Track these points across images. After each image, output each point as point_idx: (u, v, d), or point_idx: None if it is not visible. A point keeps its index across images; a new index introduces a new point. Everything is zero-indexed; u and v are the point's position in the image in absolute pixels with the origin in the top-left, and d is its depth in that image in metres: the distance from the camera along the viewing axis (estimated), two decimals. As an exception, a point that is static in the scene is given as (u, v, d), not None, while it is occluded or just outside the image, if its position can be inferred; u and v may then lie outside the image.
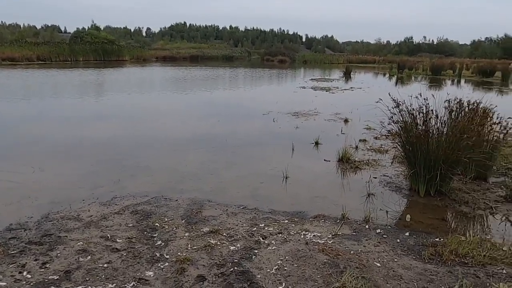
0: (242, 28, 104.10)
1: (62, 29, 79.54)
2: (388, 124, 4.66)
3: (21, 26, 62.95)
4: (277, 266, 2.96)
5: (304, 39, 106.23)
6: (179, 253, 3.13)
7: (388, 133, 4.99)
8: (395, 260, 3.11)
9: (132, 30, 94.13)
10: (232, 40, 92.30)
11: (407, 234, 3.60)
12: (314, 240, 3.40)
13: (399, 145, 4.84)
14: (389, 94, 4.72)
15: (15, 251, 3.14)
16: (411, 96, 4.63)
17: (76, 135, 7.39)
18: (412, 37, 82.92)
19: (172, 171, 5.36)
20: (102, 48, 38.42)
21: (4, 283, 2.69)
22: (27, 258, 3.03)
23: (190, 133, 7.75)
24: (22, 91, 14.01)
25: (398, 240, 3.46)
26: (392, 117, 4.65)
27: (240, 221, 3.79)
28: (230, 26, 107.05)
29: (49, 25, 72.74)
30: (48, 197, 4.33)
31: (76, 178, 5.01)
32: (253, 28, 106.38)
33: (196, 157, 6.12)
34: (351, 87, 17.89)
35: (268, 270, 2.91)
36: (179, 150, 6.52)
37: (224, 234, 3.50)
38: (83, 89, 15.10)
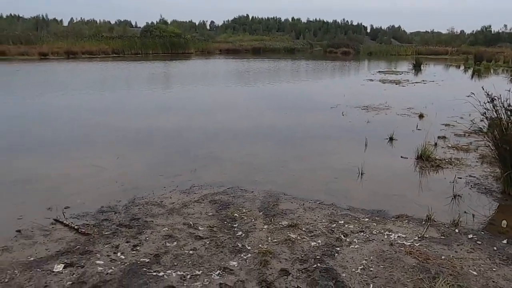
0: (304, 20, 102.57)
1: (133, 23, 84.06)
2: (481, 120, 4.28)
3: (98, 22, 67.48)
4: (362, 266, 2.85)
5: (368, 30, 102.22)
6: (260, 245, 3.14)
7: (479, 130, 4.58)
8: (494, 269, 2.85)
9: (197, 23, 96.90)
10: (294, 32, 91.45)
11: (504, 242, 3.29)
12: (399, 242, 3.23)
13: (491, 144, 4.43)
14: (482, 88, 4.32)
15: (108, 232, 3.35)
16: (509, 91, 4.20)
17: (149, 125, 7.75)
18: (490, 26, 76.04)
19: (243, 163, 5.41)
20: (170, 42, 40.05)
21: (102, 262, 2.88)
22: (119, 240, 3.22)
23: (256, 125, 7.79)
24: (98, 83, 15.04)
25: (495, 248, 3.17)
26: (484, 112, 4.26)
27: (318, 217, 3.72)
28: (292, 18, 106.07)
29: (122, 20, 77.18)
30: (132, 183, 4.58)
31: (155, 166, 5.24)
32: (316, 19, 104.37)
33: (265, 149, 6.12)
34: (423, 80, 16.87)
35: (353, 270, 2.81)
36: (247, 142, 6.57)
37: (303, 229, 3.45)
38: (152, 82, 15.86)
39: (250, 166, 5.25)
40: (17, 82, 14.56)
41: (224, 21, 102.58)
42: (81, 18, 68.48)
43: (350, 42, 55.91)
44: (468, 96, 4.37)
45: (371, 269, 2.82)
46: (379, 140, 6.64)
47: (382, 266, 2.86)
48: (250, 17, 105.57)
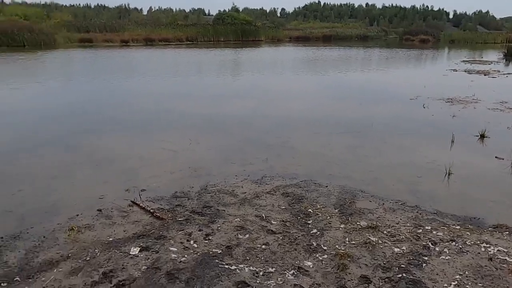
0: (379, 6, 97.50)
1: (206, 12, 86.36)
2: None
3: (174, 10, 70.36)
4: (456, 282, 2.51)
5: (451, 16, 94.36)
6: (337, 246, 2.92)
7: None
8: None
9: (268, 10, 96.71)
10: (367, 18, 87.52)
11: None
12: (501, 257, 2.81)
13: None
14: None
15: (181, 219, 3.35)
16: None
17: (221, 111, 7.79)
18: None
19: (317, 155, 5.17)
20: (241, 29, 40.45)
21: (175, 249, 2.87)
22: (192, 228, 3.20)
23: (329, 115, 7.45)
24: (173, 69, 15.57)
25: None
26: None
27: (401, 219, 3.39)
28: (366, 4, 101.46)
29: (196, 8, 79.69)
30: (205, 169, 4.58)
31: (227, 153, 5.21)
32: (392, 5, 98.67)
33: (340, 141, 5.81)
34: (518, 71, 15.07)
35: (445, 285, 2.48)
36: (321, 132, 6.28)
37: (385, 232, 3.15)
38: (223, 68, 16.06)
39: (324, 158, 5.00)
40: (103, 68, 15.61)
41: (295, 8, 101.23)
42: (159, 7, 71.86)
43: (429, 29, 52.05)
44: None
45: (467, 286, 2.47)
46: (467, 137, 5.98)
47: (480, 285, 2.49)
48: (322, 4, 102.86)
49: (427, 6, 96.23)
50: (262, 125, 6.73)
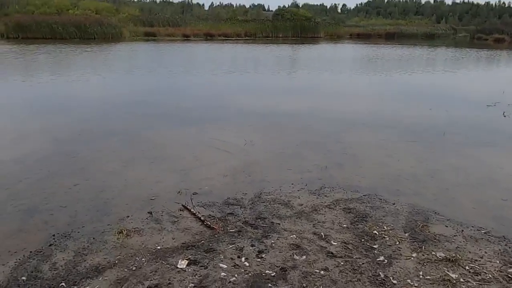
0: (448, 2, 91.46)
1: (266, 7, 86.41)
2: None
3: (234, 5, 71.20)
4: None
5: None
6: (408, 281, 2.52)
7: None
8: None
9: (328, 6, 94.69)
10: (435, 15, 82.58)
11: None
12: None
13: None
14: None
15: (233, 230, 3.12)
16: None
17: (277, 111, 7.50)
18: None
19: (382, 165, 4.70)
20: (300, 25, 39.85)
21: (225, 266, 2.63)
22: (244, 242, 2.95)
23: (395, 121, 6.87)
24: (228, 64, 15.53)
25: None
26: None
27: (486, 252, 2.88)
28: (434, 0, 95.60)
29: (256, 4, 80.00)
30: (259, 174, 4.33)
31: (283, 157, 4.91)
32: (463, 1, 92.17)
33: (409, 151, 5.27)
34: None
35: None
36: (387, 140, 5.77)
37: (466, 267, 2.68)
38: (281, 66, 15.74)
39: (390, 171, 4.53)
40: (164, 61, 15.99)
41: (357, 4, 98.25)
42: (220, 2, 73.12)
43: (506, 28, 47.73)
44: None
45: None
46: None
47: None
48: (385, 0, 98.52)
49: (503, 3, 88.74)
50: (321, 128, 6.34)
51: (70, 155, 4.85)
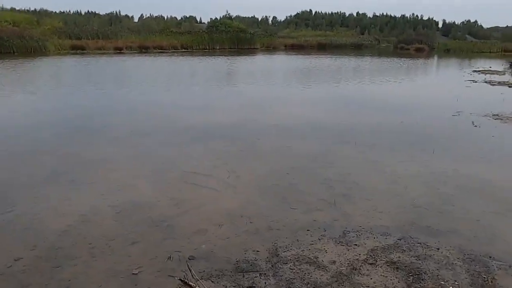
0: (369, 15, 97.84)
1: (198, 19, 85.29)
2: None
3: (165, 17, 69.17)
4: None
5: (440, 25, 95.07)
6: None
7: None
8: None
9: (259, 19, 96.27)
10: (358, 27, 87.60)
11: None
12: None
13: None
14: None
15: (265, 317, 2.26)
16: None
17: (245, 130, 6.73)
18: None
19: (392, 195, 4.13)
20: (236, 37, 39.60)
21: None
22: (289, 336, 2.11)
23: (374, 136, 6.44)
24: (175, 78, 14.44)
25: None
26: None
27: None
28: (357, 13, 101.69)
29: (187, 16, 78.49)
30: (261, 219, 3.50)
31: (279, 191, 4.14)
32: (382, 14, 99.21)
33: (409, 173, 4.78)
34: (540, 83, 14.32)
35: None
36: (379, 162, 5.24)
37: None
38: (230, 78, 15.00)
39: (405, 201, 3.96)
40: (102, 76, 14.40)
41: (286, 17, 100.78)
42: (150, 14, 70.55)
43: (423, 38, 51.99)
44: None
45: None
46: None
47: None
48: (313, 12, 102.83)
49: (417, 16, 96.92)
50: (303, 149, 5.67)
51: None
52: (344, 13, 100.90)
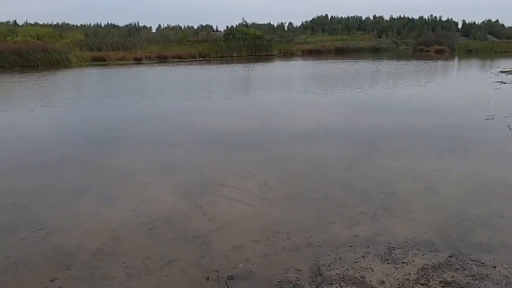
0: (387, 17, 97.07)
1: (214, 28, 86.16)
2: None
3: (182, 27, 70.16)
4: None
5: (460, 26, 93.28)
6: None
7: None
8: None
9: (275, 25, 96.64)
10: (375, 30, 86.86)
11: None
12: None
13: None
14: None
15: None
16: None
17: (273, 139, 6.58)
18: None
19: (434, 205, 3.91)
20: (253, 44, 39.70)
21: None
22: None
23: (409, 143, 6.20)
24: (196, 86, 14.47)
25: None
26: None
27: None
28: (374, 16, 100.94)
29: (204, 25, 79.39)
30: (300, 235, 3.34)
31: (316, 205, 3.97)
32: (399, 16, 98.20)
33: (450, 181, 4.54)
34: None
35: None
36: (418, 169, 5.01)
37: None
38: (252, 85, 14.94)
39: (449, 213, 3.73)
40: (116, 88, 14.57)
41: (302, 22, 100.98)
42: (167, 24, 71.79)
43: (443, 39, 50.98)
44: None
45: None
46: None
47: None
48: (329, 17, 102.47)
49: (435, 17, 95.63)
50: (335, 158, 5.49)
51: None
52: (361, 16, 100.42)
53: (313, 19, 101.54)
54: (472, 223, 3.52)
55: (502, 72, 18.37)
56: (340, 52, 46.87)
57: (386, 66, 24.18)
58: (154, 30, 71.29)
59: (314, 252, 3.05)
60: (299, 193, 4.29)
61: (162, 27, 71.44)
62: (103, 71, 21.59)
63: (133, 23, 68.82)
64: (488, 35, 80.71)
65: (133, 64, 27.54)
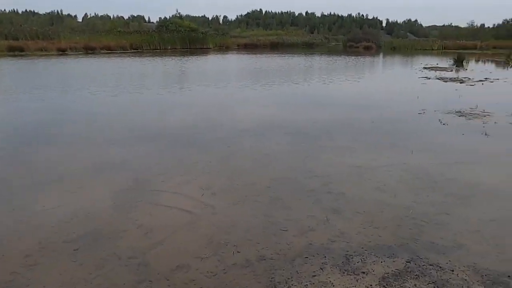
0: (318, 14, 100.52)
1: (146, 18, 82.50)
2: None
3: (111, 17, 66.18)
4: None
5: (384, 24, 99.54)
6: None
7: None
8: None
9: (210, 18, 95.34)
10: (308, 26, 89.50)
11: None
12: None
13: None
14: None
15: None
16: None
17: (214, 136, 6.21)
18: (513, 19, 72.05)
19: (383, 205, 3.82)
20: (188, 37, 38.67)
21: None
22: None
23: (348, 137, 6.18)
24: (133, 81, 13.54)
25: None
26: None
27: None
28: (306, 12, 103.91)
29: (135, 15, 75.70)
30: (249, 246, 3.03)
31: (264, 209, 3.68)
32: (330, 13, 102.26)
33: (393, 178, 4.52)
34: (486, 78, 15.01)
35: None
36: (364, 167, 4.94)
37: None
38: (184, 80, 14.33)
39: (397, 212, 3.65)
40: (36, 81, 13.13)
41: (237, 16, 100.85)
42: (95, 13, 67.28)
43: (371, 37, 53.94)
44: None
45: None
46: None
47: None
48: (264, 12, 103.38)
49: (362, 15, 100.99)
50: (279, 157, 5.26)
51: None
52: (294, 12, 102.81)
53: (248, 13, 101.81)
54: (421, 221, 3.47)
55: (425, 68, 19.67)
56: (275, 47, 47.54)
57: (320, 61, 24.80)
58: (80, 20, 66.38)
59: (268, 267, 2.76)
60: (245, 196, 3.98)
61: (88, 16, 66.72)
62: (21, 62, 19.45)
63: (56, 11, 63.34)
64: (408, 34, 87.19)
65: (57, 55, 25.31)
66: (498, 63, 24.04)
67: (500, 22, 73.95)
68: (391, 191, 4.16)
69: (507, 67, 21.00)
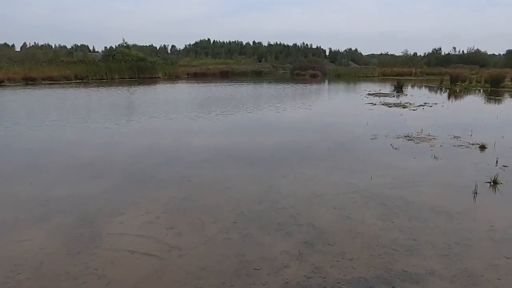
0: (265, 43, 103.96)
1: (91, 48, 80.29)
2: None
3: (53, 46, 63.65)
4: None
5: (328, 53, 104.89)
6: None
7: None
8: None
9: (158, 47, 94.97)
10: (255, 55, 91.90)
11: None
12: None
13: None
14: None
15: None
16: None
17: (179, 170, 5.98)
18: (440, 48, 79.47)
19: (352, 234, 3.82)
20: (136, 66, 38.03)
21: None
22: None
23: (305, 163, 6.24)
24: (78, 112, 12.89)
25: None
26: None
27: None
28: (254, 42, 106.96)
29: (79, 45, 73.45)
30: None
31: (235, 248, 3.53)
32: (276, 43, 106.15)
33: (360, 206, 4.57)
34: (425, 103, 16.12)
35: None
36: (327, 195, 4.97)
37: None
38: (139, 112, 13.93)
39: (367, 241, 3.67)
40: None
41: (185, 45, 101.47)
42: (35, 42, 64.36)
43: (316, 65, 56.52)
44: None
45: None
46: (483, 185, 5.30)
47: None
48: (212, 41, 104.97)
49: (307, 44, 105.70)
50: (242, 189, 5.15)
51: None
52: (242, 42, 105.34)
53: (196, 42, 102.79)
54: (391, 249, 3.50)
55: (369, 94, 20.76)
56: (225, 75, 48.10)
57: (270, 89, 25.36)
58: (18, 49, 63.09)
59: (246, 312, 2.60)
60: (213, 234, 3.80)
61: (28, 45, 63.67)
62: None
63: (-10, 40, 59.76)
64: (350, 62, 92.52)
65: (-9, 86, 23.61)
66: (431, 89, 26.02)
67: (430, 51, 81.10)
68: (359, 218, 4.19)
69: (441, 93, 22.76)
